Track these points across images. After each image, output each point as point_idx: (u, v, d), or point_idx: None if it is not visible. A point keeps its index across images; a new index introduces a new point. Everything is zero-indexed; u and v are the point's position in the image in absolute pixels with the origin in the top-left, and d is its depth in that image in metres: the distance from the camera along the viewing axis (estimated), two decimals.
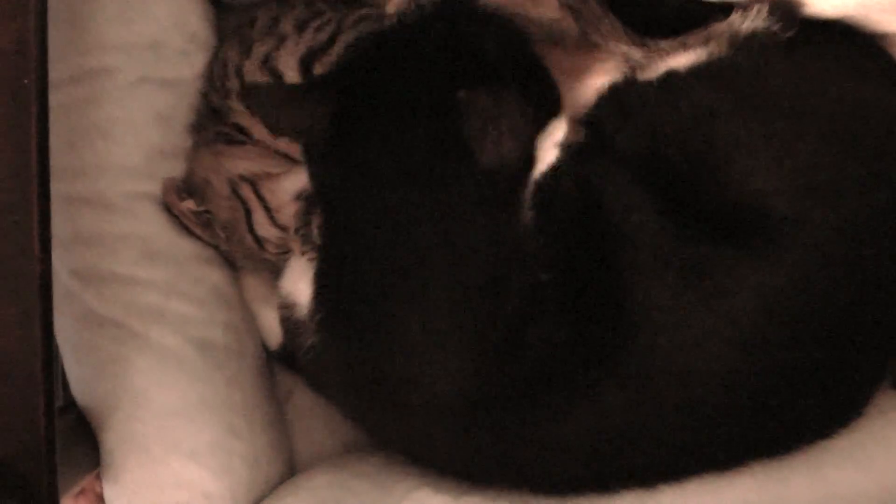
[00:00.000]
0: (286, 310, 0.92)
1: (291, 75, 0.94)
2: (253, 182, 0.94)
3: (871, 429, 0.89)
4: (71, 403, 0.93)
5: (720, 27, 0.95)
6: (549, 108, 0.87)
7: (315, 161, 0.85)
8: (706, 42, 0.94)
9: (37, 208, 0.74)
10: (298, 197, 0.93)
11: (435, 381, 0.81)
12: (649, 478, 0.85)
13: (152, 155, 0.94)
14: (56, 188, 0.87)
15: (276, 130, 0.87)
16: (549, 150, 0.85)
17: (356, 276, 0.83)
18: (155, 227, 0.96)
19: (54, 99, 0.86)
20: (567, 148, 0.87)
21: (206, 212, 0.95)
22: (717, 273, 0.81)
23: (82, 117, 0.91)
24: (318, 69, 0.94)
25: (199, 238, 0.98)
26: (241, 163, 0.95)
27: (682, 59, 0.94)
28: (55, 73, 0.86)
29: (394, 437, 0.92)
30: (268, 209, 0.94)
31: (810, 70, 0.92)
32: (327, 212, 0.86)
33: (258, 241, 0.95)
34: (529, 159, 0.83)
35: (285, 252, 0.95)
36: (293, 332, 0.91)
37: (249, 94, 0.91)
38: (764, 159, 0.84)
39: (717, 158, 0.86)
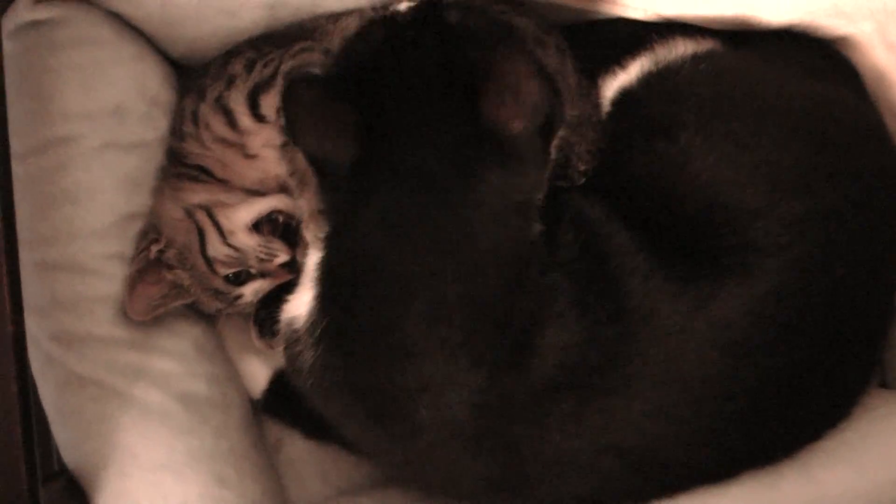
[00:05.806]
0: (288, 327, 0.89)
1: (241, 111, 0.97)
2: (208, 209, 0.96)
3: (859, 427, 0.89)
4: (63, 468, 0.93)
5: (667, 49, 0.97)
6: None
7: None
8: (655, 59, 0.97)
9: (6, 270, 0.75)
10: (253, 226, 0.96)
11: (444, 391, 0.79)
12: (647, 493, 0.85)
13: (121, 217, 0.96)
14: (30, 255, 0.90)
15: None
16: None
17: (362, 283, 0.81)
18: None
19: (21, 169, 0.90)
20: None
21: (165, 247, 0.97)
22: (704, 280, 0.81)
23: (50, 185, 0.92)
24: (264, 102, 0.96)
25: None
26: (199, 195, 0.97)
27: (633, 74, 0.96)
28: (21, 144, 0.90)
29: (400, 460, 0.89)
30: (221, 232, 0.96)
31: (765, 73, 0.94)
32: (333, 215, 0.83)
33: (209, 262, 0.96)
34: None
35: (235, 274, 0.96)
36: (294, 351, 0.88)
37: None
38: (725, 156, 0.85)
39: (681, 164, 0.87)
